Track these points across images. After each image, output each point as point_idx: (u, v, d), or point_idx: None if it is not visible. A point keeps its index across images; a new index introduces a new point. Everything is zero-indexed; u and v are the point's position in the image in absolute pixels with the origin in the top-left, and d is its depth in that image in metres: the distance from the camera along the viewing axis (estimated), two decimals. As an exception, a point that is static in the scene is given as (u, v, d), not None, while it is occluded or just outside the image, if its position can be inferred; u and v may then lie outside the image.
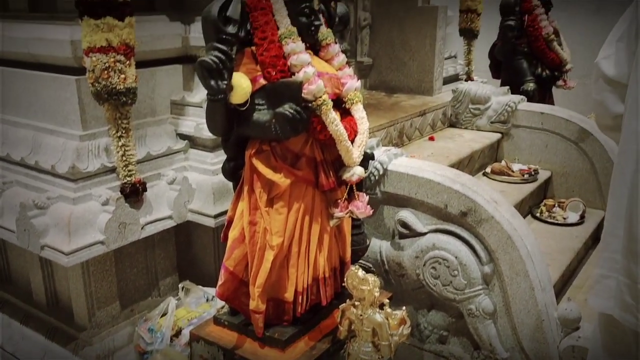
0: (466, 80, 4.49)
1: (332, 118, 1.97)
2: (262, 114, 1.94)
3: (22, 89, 2.63)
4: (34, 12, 2.66)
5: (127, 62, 2.17)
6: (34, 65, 2.57)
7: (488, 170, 3.75)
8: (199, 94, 2.71)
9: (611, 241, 1.38)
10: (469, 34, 4.48)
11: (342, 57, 2.19)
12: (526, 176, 3.63)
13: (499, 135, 3.97)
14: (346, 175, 2.09)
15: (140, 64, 2.47)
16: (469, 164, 3.69)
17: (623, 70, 1.36)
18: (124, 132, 2.28)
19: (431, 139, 3.88)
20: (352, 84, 2.13)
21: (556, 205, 3.56)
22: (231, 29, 1.89)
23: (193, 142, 2.76)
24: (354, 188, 2.13)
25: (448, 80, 4.65)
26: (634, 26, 1.32)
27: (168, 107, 2.80)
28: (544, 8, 4.16)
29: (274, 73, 1.93)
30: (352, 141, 2.08)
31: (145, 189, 2.40)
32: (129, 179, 2.33)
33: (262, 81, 1.95)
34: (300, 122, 1.88)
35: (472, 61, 4.62)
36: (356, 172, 2.09)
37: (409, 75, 4.40)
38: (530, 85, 4.17)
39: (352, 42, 4.44)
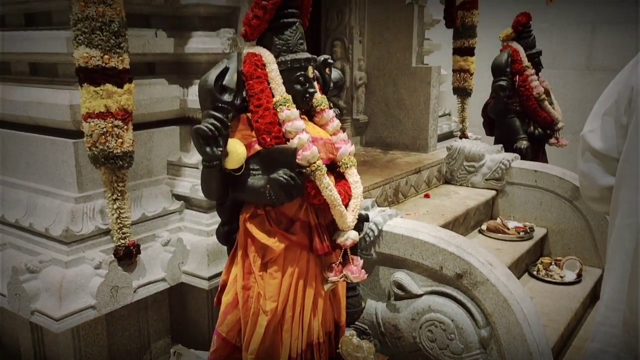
0: (460, 138, 4.56)
1: (326, 183, 1.99)
2: (256, 179, 1.97)
3: (21, 151, 2.66)
4: (34, 76, 2.72)
5: (125, 126, 2.21)
6: (33, 127, 2.60)
7: (484, 227, 3.75)
8: (195, 155, 2.74)
9: (610, 315, 1.37)
10: (462, 93, 4.57)
11: (336, 122, 2.23)
12: (522, 234, 3.63)
13: (493, 193, 3.99)
14: (340, 240, 2.09)
15: (138, 126, 2.52)
16: (465, 222, 3.69)
17: (610, 143, 1.39)
18: (119, 194, 2.29)
19: (427, 196, 3.90)
20: (346, 148, 2.16)
21: (553, 263, 3.55)
22: (227, 97, 1.93)
23: (188, 202, 2.77)
24: (349, 252, 2.13)
25: (443, 137, 4.71)
26: (622, 100, 1.35)
27: (164, 167, 2.83)
28: (534, 69, 4.26)
29: (269, 139, 1.97)
30: (346, 205, 2.09)
31: (139, 252, 2.39)
32: (122, 241, 2.33)
33: (257, 147, 1.98)
34: (294, 187, 1.90)
35: (466, 118, 4.70)
36: (350, 237, 2.10)
37: (404, 132, 4.46)
38: (524, 143, 4.23)
39: (348, 100, 4.53)
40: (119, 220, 2.30)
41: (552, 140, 4.40)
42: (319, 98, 2.19)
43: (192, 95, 2.79)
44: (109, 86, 2.13)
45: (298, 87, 2.07)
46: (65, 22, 2.36)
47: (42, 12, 2.60)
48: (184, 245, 2.57)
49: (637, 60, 1.34)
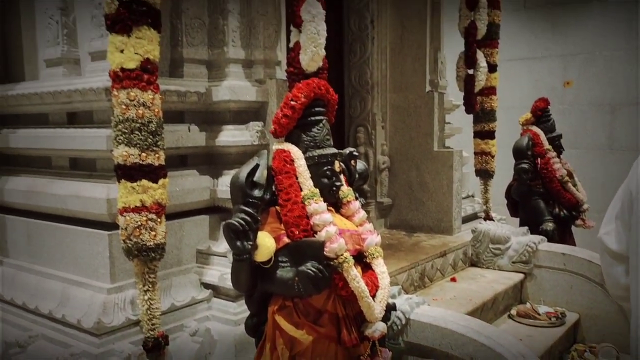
0: (485, 219, 4.56)
1: (354, 275, 2.02)
2: (285, 272, 2.01)
3: (56, 242, 2.75)
4: (74, 170, 2.86)
5: (159, 219, 2.29)
6: (69, 219, 2.71)
7: (513, 312, 3.67)
8: (224, 244, 2.79)
9: None
10: (484, 175, 4.62)
11: (362, 214, 2.28)
12: (553, 319, 3.54)
13: (521, 276, 3.94)
14: (368, 332, 2.09)
15: (169, 216, 2.60)
16: (493, 306, 3.62)
17: (624, 244, 1.43)
18: (150, 286, 2.33)
19: (453, 280, 3.86)
20: (372, 239, 2.20)
21: (587, 350, 3.43)
22: (257, 193, 2.01)
23: (216, 291, 2.80)
24: (377, 344, 2.11)
25: (467, 219, 4.72)
26: (625, 203, 1.41)
27: (194, 256, 2.89)
28: (555, 152, 4.32)
29: (297, 232, 2.02)
30: (374, 296, 2.10)
31: (167, 343, 2.39)
32: (152, 332, 2.34)
33: (286, 240, 2.04)
34: (322, 280, 1.93)
35: (490, 200, 4.71)
36: (378, 328, 2.09)
37: (428, 214, 4.49)
38: (549, 225, 4.21)
39: (372, 184, 4.61)
40: (149, 312, 2.33)
41: (579, 222, 4.37)
42: (346, 190, 2.26)
43: (222, 186, 2.89)
44: (145, 182, 2.23)
45: (325, 180, 2.15)
46: (106, 120, 2.52)
47: (84, 111, 2.78)
48: (212, 335, 2.57)
49: (637, 163, 1.40)
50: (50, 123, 2.97)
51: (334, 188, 2.16)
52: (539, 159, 4.25)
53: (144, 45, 2.21)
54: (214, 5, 3.02)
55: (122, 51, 2.19)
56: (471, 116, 4.60)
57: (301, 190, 2.09)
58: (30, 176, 3.03)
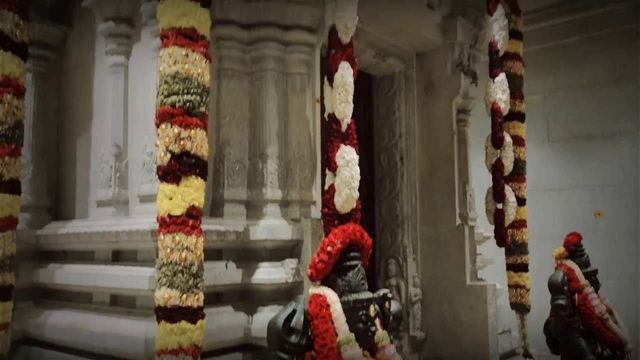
0: (524, 356, 4.38)
1: None
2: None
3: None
4: (114, 306, 2.94)
5: (194, 364, 2.31)
6: (107, 358, 2.74)
7: None
8: (257, 385, 2.76)
9: None
10: (520, 309, 4.51)
11: (397, 358, 2.26)
12: None
13: (567, 422, 3.70)
14: None
15: (204, 354, 2.60)
16: None
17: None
18: None
19: None
20: (409, 387, 2.16)
21: None
22: (294, 338, 2.04)
23: None
24: None
25: (505, 356, 4.54)
26: None
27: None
28: (592, 287, 4.24)
29: (334, 380, 2.01)
30: None
31: None
32: None
33: (321, 387, 2.02)
34: None
35: (527, 335, 4.56)
36: None
37: (464, 350, 4.35)
38: (593, 366, 4.02)
39: (404, 317, 4.54)
40: None
41: (624, 363, 4.16)
42: (380, 334, 2.27)
43: (256, 324, 2.91)
44: (183, 323, 2.29)
45: (360, 325, 2.17)
46: (149, 259, 2.64)
47: (129, 250, 2.92)
48: None
49: None
50: (96, 260, 3.11)
51: (370, 333, 2.18)
52: (576, 294, 4.16)
53: (191, 193, 2.38)
54: (254, 150, 3.25)
55: (170, 199, 2.35)
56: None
57: (337, 335, 2.11)
58: (71, 310, 3.12)
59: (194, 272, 2.34)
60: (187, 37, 2.46)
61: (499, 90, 4.29)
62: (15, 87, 2.87)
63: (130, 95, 3.25)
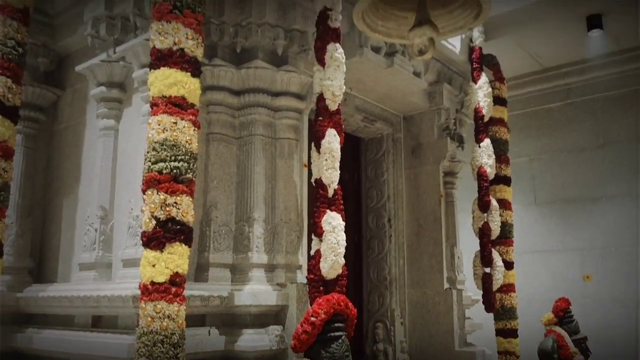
0: None
1: None
2: None
3: None
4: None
5: None
6: None
7: None
8: None
9: None
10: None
11: None
12: None
13: None
14: None
15: None
16: None
17: None
18: None
19: None
20: None
21: None
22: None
23: None
24: None
25: None
26: None
27: None
28: (582, 355, 4.18)
29: None
30: None
31: None
32: None
33: None
34: None
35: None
36: None
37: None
38: None
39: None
40: None
41: None
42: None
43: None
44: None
45: (344, 400, 2.11)
46: (130, 326, 2.59)
47: (110, 315, 2.86)
48: None
49: None
50: (75, 325, 3.04)
51: (353, 409, 2.12)
52: (565, 362, 4.09)
53: (174, 260, 2.36)
54: (241, 213, 3.25)
55: (154, 266, 2.33)
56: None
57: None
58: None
59: (175, 341, 2.29)
60: (177, 106, 2.50)
61: (485, 155, 4.37)
62: (3, 150, 2.89)
63: (119, 158, 3.27)
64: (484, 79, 4.51)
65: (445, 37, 1.51)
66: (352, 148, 4.79)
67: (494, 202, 4.35)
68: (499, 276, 4.25)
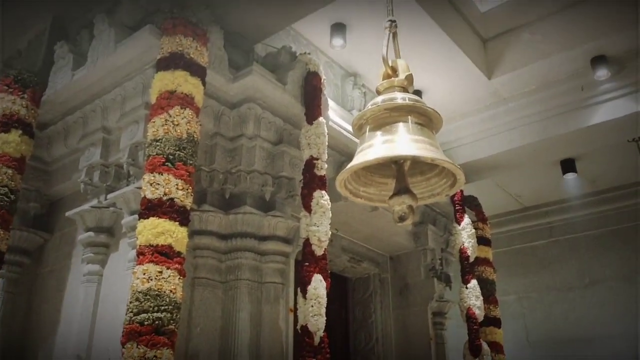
0: None
1: None
2: None
3: None
4: None
5: None
6: None
7: None
8: None
9: None
10: None
11: None
12: None
13: None
14: None
15: None
16: None
17: None
18: None
19: None
20: None
21: None
22: None
23: None
24: None
25: None
26: None
27: None
28: None
29: None
30: None
31: None
32: None
33: None
34: None
35: None
36: None
37: None
38: None
39: None
40: None
41: None
42: None
43: None
44: None
45: None
46: None
47: None
48: None
49: None
50: None
51: None
52: None
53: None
54: None
55: None
56: None
57: None
58: None
59: None
60: (163, 254, 2.52)
61: (473, 296, 4.35)
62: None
63: (100, 304, 3.19)
64: (467, 220, 4.63)
65: (424, 202, 1.58)
66: (339, 288, 4.74)
67: (484, 346, 4.26)
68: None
